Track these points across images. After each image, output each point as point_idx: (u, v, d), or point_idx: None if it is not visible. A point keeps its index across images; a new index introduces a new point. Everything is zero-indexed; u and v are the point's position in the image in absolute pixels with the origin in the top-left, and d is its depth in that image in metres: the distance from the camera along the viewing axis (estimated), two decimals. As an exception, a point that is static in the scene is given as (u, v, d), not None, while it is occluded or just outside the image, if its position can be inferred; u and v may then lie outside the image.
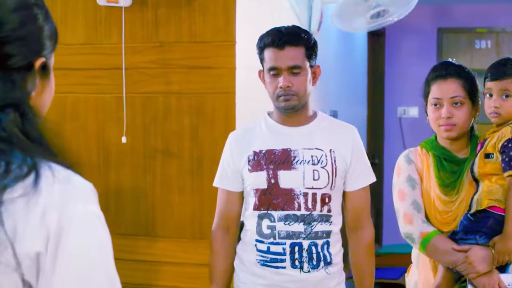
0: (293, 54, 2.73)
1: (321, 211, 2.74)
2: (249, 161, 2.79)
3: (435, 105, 2.72)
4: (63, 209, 1.12)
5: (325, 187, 2.74)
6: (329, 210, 2.76)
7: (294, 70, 2.72)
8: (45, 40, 1.27)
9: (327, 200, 2.75)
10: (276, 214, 2.73)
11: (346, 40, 6.22)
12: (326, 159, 2.76)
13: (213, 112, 3.50)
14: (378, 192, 7.15)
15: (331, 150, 2.78)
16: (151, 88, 3.61)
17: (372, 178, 2.89)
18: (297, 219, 2.72)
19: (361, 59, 7.00)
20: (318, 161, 2.76)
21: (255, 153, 2.79)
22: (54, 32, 1.30)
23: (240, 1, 3.51)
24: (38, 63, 1.25)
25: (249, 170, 2.78)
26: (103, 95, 3.67)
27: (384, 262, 6.18)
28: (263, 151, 2.78)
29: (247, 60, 3.48)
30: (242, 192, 2.86)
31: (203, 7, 3.52)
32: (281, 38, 2.73)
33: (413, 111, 7.50)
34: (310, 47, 2.78)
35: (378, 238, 7.02)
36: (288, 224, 2.72)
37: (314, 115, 2.88)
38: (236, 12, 3.48)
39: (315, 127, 2.84)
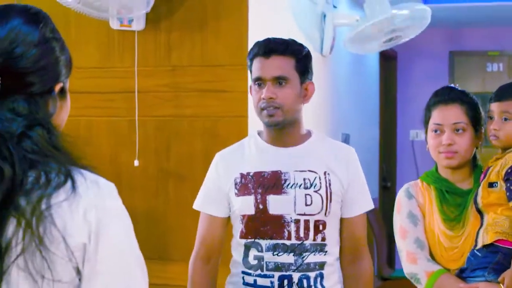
0: (279, 64, 2.48)
1: (314, 240, 2.48)
2: (236, 184, 2.53)
3: (436, 131, 2.57)
4: (99, 207, 1.34)
5: (318, 213, 2.49)
6: (323, 239, 2.50)
7: (280, 81, 2.48)
8: (62, 68, 1.45)
9: (321, 227, 2.50)
10: (264, 243, 2.48)
11: (358, 63, 6.22)
12: (320, 182, 2.50)
13: (225, 135, 3.49)
14: (390, 215, 7.08)
15: (325, 173, 2.52)
16: (164, 112, 3.62)
17: (370, 205, 2.67)
18: (286, 249, 2.47)
19: (373, 82, 6.99)
20: (311, 185, 2.50)
21: (242, 175, 2.53)
22: (69, 60, 1.49)
23: (252, 25, 3.53)
24: (57, 87, 1.44)
25: (236, 194, 2.53)
26: (116, 118, 3.69)
27: (396, 286, 6.13)
28: (251, 174, 2.52)
29: (259, 83, 3.48)
30: (226, 218, 2.60)
31: (216, 31, 3.54)
32: (267, 45, 2.51)
33: (426, 134, 7.48)
34: (301, 59, 2.53)
35: (390, 262, 6.98)
36: (277, 254, 2.47)
37: (308, 134, 2.61)
38: (249, 36, 3.49)
39: (308, 147, 2.57)
